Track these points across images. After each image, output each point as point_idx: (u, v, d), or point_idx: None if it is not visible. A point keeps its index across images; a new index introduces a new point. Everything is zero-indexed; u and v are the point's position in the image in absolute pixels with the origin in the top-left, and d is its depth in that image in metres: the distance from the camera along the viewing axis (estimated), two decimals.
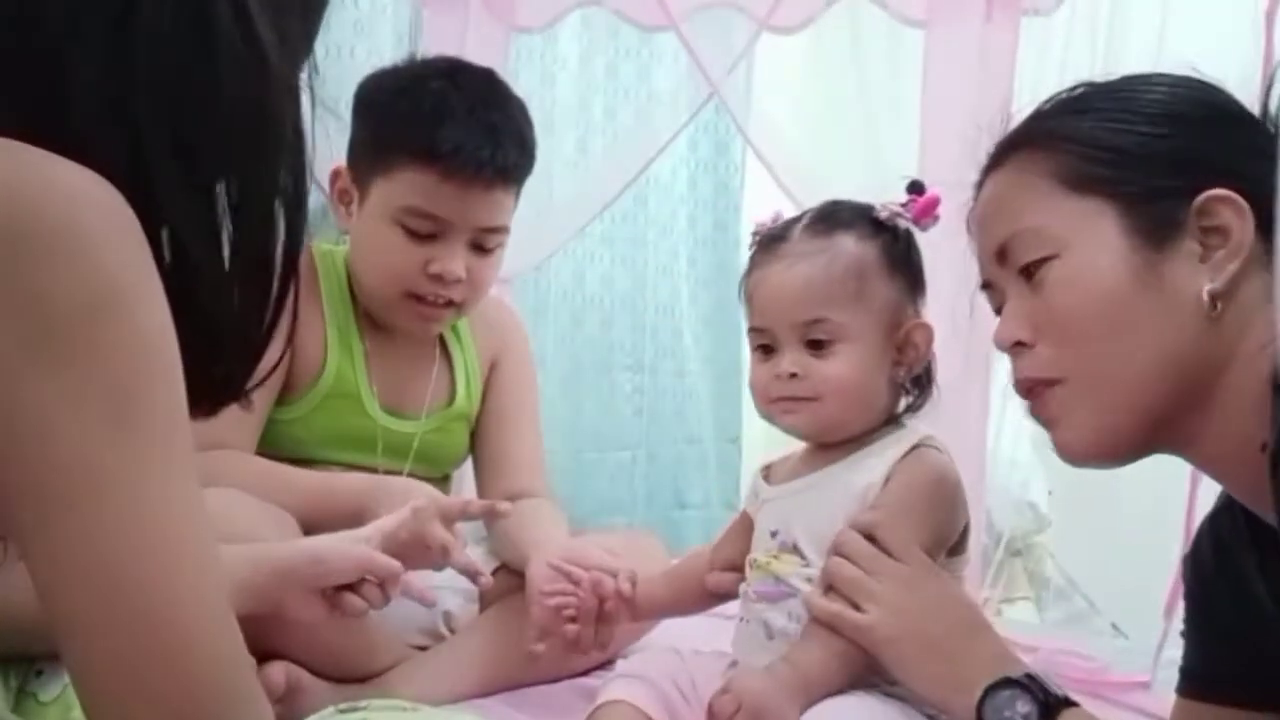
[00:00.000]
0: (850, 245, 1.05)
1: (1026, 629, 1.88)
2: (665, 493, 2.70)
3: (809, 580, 1.01)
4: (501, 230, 1.43)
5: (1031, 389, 0.85)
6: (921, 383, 1.09)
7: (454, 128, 1.35)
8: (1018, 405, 2.01)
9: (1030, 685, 0.87)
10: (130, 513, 0.51)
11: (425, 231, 1.37)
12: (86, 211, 0.51)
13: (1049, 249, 0.83)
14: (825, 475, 1.07)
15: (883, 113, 2.07)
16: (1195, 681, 0.94)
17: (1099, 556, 2.12)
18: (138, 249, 0.52)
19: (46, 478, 0.51)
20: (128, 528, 0.51)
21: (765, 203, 1.78)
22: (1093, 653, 1.61)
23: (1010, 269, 0.86)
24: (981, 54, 1.81)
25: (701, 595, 1.21)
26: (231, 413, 1.31)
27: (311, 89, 0.64)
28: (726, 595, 1.17)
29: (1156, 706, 1.37)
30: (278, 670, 1.20)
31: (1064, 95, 0.88)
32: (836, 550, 0.98)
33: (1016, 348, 0.86)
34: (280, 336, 0.64)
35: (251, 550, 1.06)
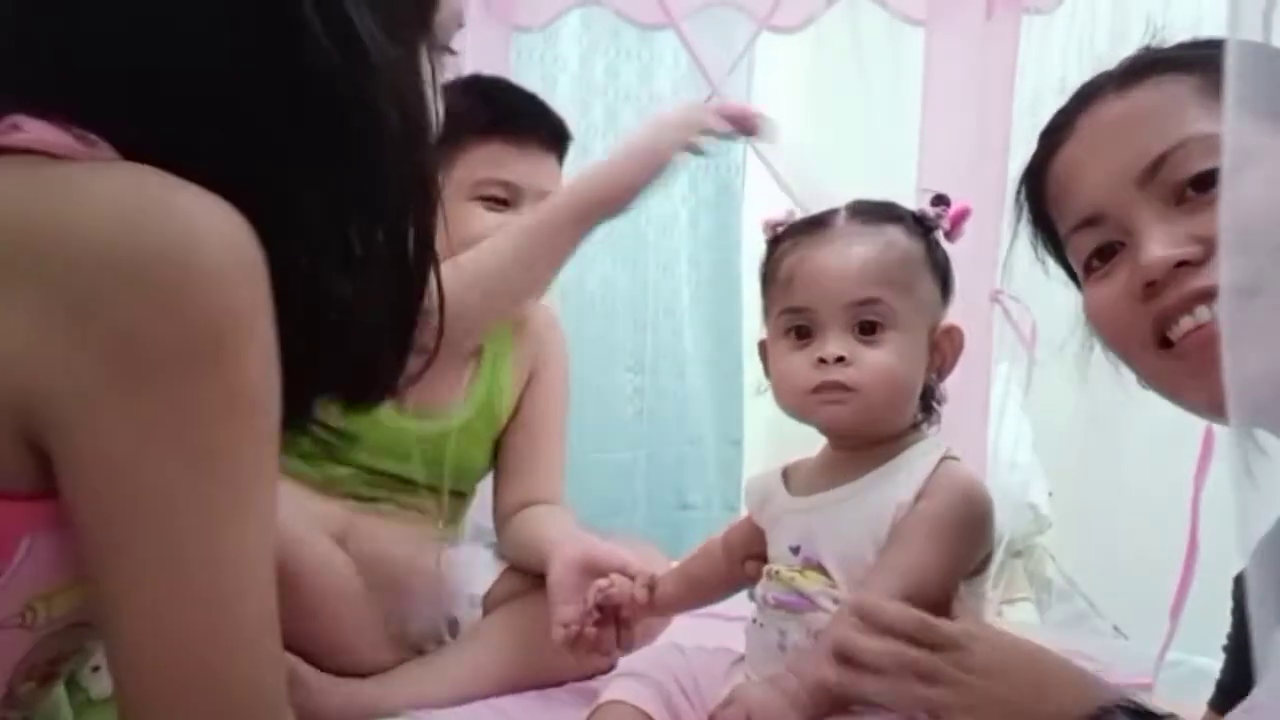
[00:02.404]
0: (902, 237, 1.04)
1: (1028, 630, 1.88)
2: (666, 494, 2.69)
3: (836, 602, 0.98)
4: None
5: (1194, 304, 0.76)
6: (932, 396, 1.07)
7: (506, 100, 1.53)
8: (1018, 407, 2.01)
9: (1129, 707, 0.78)
10: (198, 560, 0.51)
11: (501, 197, 1.48)
12: (203, 248, 0.49)
13: None
14: (852, 491, 1.03)
15: (883, 112, 2.06)
16: (1236, 700, 0.91)
17: (1099, 558, 2.12)
18: (253, 289, 0.51)
19: (117, 516, 0.50)
20: (193, 576, 0.51)
21: (766, 203, 1.78)
22: (1095, 653, 1.60)
23: (1160, 185, 0.79)
24: (982, 53, 1.81)
25: (712, 590, 1.20)
26: None
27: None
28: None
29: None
30: None
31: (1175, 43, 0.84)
32: (874, 622, 0.86)
33: (1178, 269, 0.76)
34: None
35: None
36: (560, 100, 2.41)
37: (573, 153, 2.47)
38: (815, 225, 1.06)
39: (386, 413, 1.46)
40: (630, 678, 1.06)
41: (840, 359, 1.00)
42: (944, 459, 1.02)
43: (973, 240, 1.79)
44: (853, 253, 1.02)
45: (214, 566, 0.51)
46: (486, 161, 1.47)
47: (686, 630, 1.37)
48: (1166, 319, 0.78)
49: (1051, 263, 0.94)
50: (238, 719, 0.53)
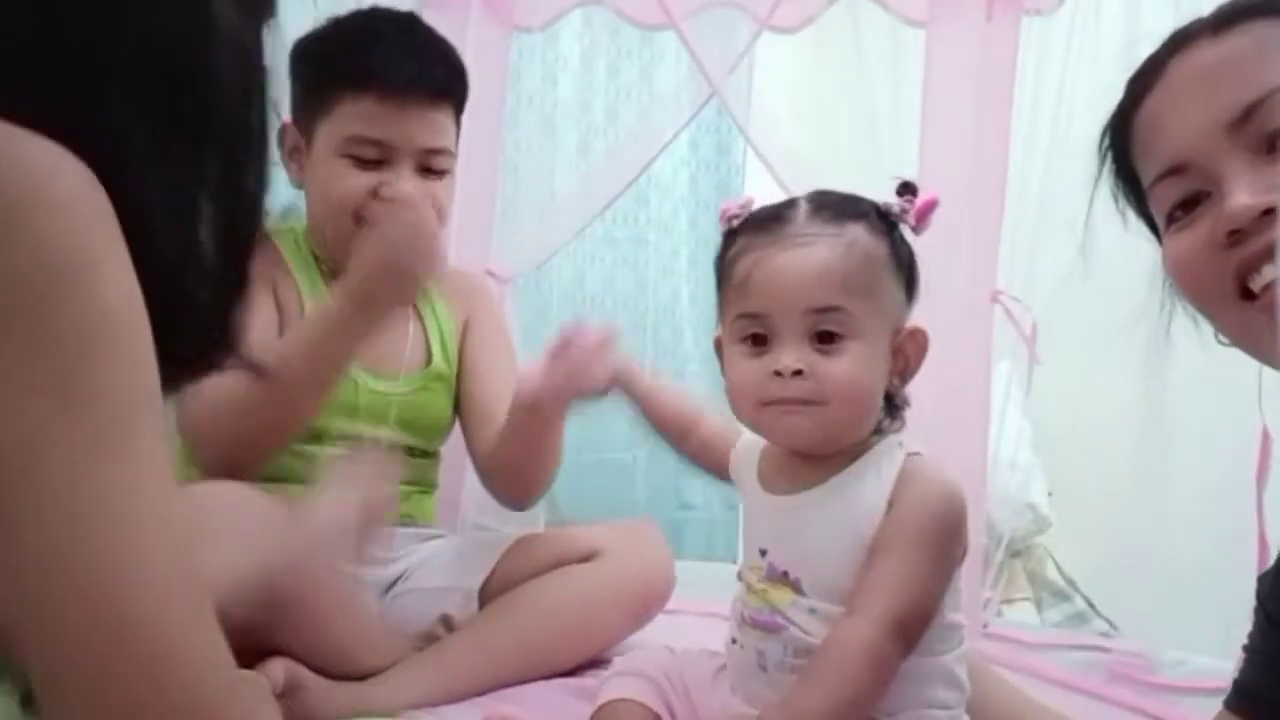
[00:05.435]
0: (865, 236, 0.97)
1: (1027, 630, 1.89)
2: (666, 494, 2.70)
3: (811, 611, 0.95)
4: (446, 153, 1.46)
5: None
6: (894, 404, 1.01)
7: (382, 51, 1.40)
8: (1017, 407, 2.01)
9: None
10: (78, 494, 0.48)
11: (371, 158, 1.41)
12: (48, 187, 0.49)
13: None
14: (817, 497, 0.98)
15: (883, 113, 2.07)
16: (1253, 701, 0.89)
17: (1099, 557, 2.12)
18: (101, 224, 0.50)
19: None
20: (73, 510, 0.48)
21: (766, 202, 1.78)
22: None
23: (1250, 134, 0.77)
24: (982, 54, 1.81)
25: (663, 422, 1.19)
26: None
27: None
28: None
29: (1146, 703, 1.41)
30: (277, 668, 1.20)
31: None
32: None
33: (1263, 218, 0.75)
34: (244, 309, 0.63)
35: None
36: (561, 99, 2.42)
37: (573, 152, 2.50)
38: (773, 221, 0.99)
39: (353, 374, 1.47)
40: (630, 676, 1.06)
41: (798, 372, 0.94)
42: (909, 456, 0.97)
43: (972, 240, 1.81)
44: (812, 256, 0.95)
45: (97, 495, 0.48)
46: (357, 117, 1.40)
47: (679, 628, 1.38)
48: (1248, 268, 0.77)
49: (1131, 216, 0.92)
50: (161, 672, 0.48)
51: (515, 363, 1.63)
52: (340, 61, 1.42)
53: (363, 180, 1.41)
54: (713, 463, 1.15)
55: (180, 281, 0.56)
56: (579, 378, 1.21)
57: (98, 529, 0.48)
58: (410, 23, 1.49)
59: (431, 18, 2.05)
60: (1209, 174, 0.79)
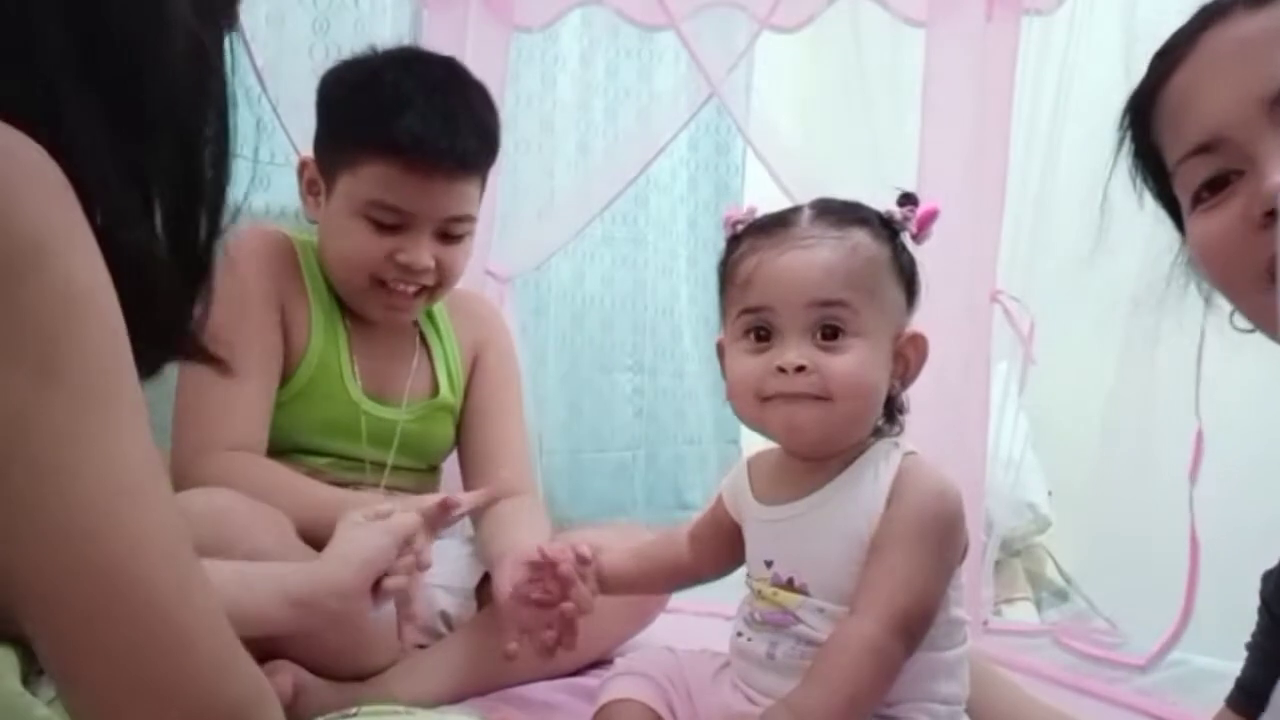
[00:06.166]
0: (868, 240, 0.98)
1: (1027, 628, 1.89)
2: (665, 493, 2.70)
3: (820, 611, 0.96)
4: (467, 219, 1.44)
5: None
6: (893, 408, 1.02)
7: (411, 119, 1.35)
8: (1016, 406, 2.01)
9: None
10: (69, 467, 0.49)
11: (390, 223, 1.39)
12: (10, 165, 0.49)
13: None
14: (817, 502, 0.99)
15: (883, 113, 2.06)
16: (1256, 699, 0.88)
17: (1098, 557, 2.12)
18: (63, 204, 0.51)
19: None
20: (67, 483, 0.49)
21: (764, 204, 1.78)
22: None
23: None
24: (982, 54, 1.81)
25: (667, 580, 1.18)
26: (245, 406, 1.30)
27: (244, 43, 0.65)
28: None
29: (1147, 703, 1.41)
30: (285, 678, 1.20)
31: None
32: None
33: None
34: (209, 295, 0.63)
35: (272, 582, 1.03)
36: (560, 99, 2.41)
37: (573, 152, 2.50)
38: (777, 225, 1.00)
39: (356, 399, 1.47)
40: (632, 676, 1.06)
41: (801, 368, 0.94)
42: (905, 455, 0.98)
43: (973, 240, 1.81)
44: (816, 255, 0.96)
45: (87, 466, 0.49)
46: (380, 182, 1.36)
47: (680, 628, 1.38)
48: None
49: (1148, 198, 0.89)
50: (154, 626, 0.50)
51: (521, 404, 1.63)
52: (369, 122, 1.36)
53: (380, 245, 1.39)
54: (675, 563, 1.14)
55: (131, 271, 0.56)
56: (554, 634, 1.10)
57: (88, 497, 0.49)
58: (445, 82, 1.42)
59: (431, 18, 2.06)
60: (1244, 151, 0.75)
